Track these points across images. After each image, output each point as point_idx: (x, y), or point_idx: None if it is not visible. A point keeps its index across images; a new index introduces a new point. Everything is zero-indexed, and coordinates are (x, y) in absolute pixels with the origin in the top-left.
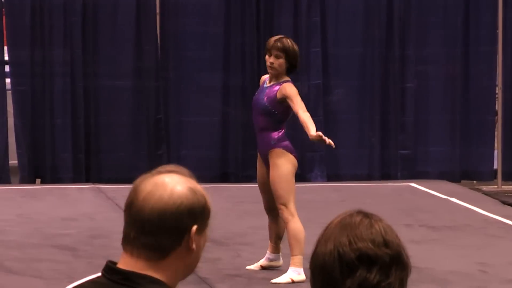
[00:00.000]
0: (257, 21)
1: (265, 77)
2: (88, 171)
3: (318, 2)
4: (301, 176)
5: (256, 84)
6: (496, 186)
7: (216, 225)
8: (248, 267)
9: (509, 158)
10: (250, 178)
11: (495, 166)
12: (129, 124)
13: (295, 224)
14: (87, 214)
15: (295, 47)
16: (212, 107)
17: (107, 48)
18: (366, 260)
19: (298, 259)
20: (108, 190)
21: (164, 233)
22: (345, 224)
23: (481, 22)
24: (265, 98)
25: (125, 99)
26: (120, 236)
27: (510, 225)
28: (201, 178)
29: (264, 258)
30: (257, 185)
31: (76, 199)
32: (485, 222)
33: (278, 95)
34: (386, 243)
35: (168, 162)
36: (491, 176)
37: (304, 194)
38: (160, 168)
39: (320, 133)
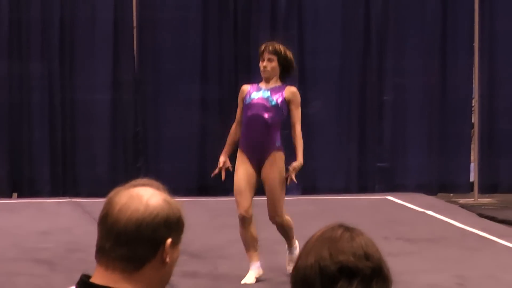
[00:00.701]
0: (235, 34)
1: (247, 86)
2: (65, 184)
3: (296, 15)
4: None
5: (234, 96)
6: (473, 199)
7: (194, 238)
8: (243, 282)
9: (485, 170)
10: (228, 191)
11: (472, 179)
12: (107, 138)
13: (288, 219)
14: (64, 228)
15: (288, 51)
16: (190, 120)
17: (85, 61)
18: (347, 272)
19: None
20: (86, 204)
21: (140, 244)
22: (326, 238)
23: (458, 35)
24: (274, 97)
25: (102, 112)
26: None
27: (486, 238)
28: (179, 191)
29: (253, 270)
30: (233, 199)
31: (54, 213)
32: (462, 235)
33: (286, 95)
34: (367, 256)
35: (147, 175)
36: (468, 188)
37: None
38: (133, 182)
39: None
